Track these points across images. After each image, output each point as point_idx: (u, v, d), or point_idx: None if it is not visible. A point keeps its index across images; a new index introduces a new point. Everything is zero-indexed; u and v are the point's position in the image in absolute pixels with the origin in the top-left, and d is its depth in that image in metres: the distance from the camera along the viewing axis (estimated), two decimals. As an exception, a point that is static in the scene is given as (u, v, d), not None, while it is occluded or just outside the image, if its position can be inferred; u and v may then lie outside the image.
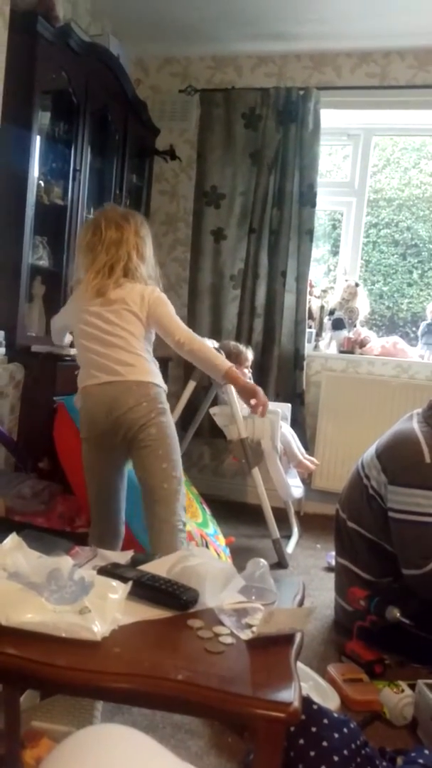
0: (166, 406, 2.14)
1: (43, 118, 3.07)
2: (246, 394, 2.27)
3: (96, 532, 2.19)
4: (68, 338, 2.53)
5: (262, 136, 3.98)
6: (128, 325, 2.11)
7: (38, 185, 3.01)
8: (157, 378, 2.15)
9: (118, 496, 2.19)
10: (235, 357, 3.42)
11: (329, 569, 2.94)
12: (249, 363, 3.50)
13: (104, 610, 1.08)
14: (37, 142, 2.95)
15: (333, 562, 2.70)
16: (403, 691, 1.80)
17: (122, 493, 2.21)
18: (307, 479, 3.82)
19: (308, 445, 3.83)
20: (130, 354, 2.10)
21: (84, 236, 2.20)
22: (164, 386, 2.18)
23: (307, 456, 3.43)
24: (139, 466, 2.09)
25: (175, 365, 4.26)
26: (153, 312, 2.15)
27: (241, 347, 3.50)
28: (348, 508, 2.39)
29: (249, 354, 3.49)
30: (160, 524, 2.06)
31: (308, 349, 4.05)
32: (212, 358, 2.21)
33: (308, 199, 3.92)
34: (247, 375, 3.48)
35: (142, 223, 2.23)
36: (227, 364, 2.19)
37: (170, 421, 2.14)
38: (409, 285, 4.39)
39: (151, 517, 2.08)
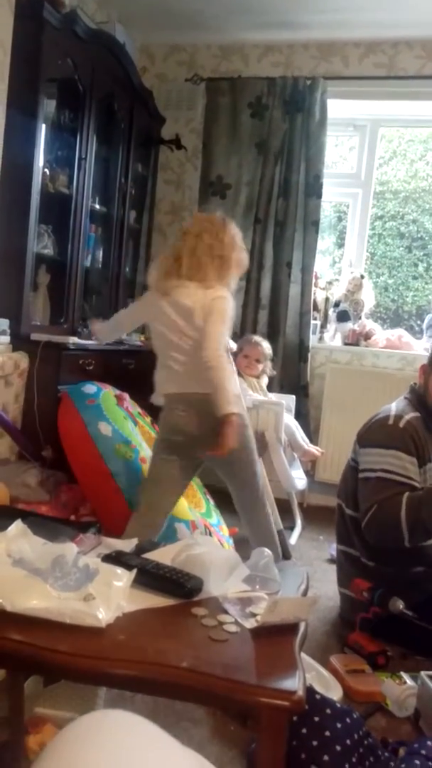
0: None
1: (48, 106, 3.05)
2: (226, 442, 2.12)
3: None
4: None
5: (268, 125, 3.95)
6: None
7: (43, 173, 2.99)
8: None
9: None
10: (244, 345, 3.40)
11: (332, 561, 2.94)
12: (260, 356, 3.42)
13: (109, 597, 1.08)
14: (43, 129, 2.93)
15: (334, 554, 2.71)
16: (405, 682, 1.81)
17: None
18: (310, 470, 3.82)
19: (312, 437, 3.82)
20: None
21: None
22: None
23: (311, 445, 3.43)
24: None
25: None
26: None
27: (251, 338, 3.49)
28: (344, 494, 2.44)
29: (260, 347, 3.43)
30: None
31: (313, 341, 4.04)
32: (223, 393, 2.10)
33: (314, 190, 3.90)
34: (255, 367, 3.44)
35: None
36: (231, 409, 2.09)
37: None
38: (415, 278, 4.37)
39: None
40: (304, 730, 1.39)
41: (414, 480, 2.13)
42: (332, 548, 3.02)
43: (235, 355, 3.33)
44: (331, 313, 4.14)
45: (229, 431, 2.08)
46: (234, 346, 3.33)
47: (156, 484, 2.25)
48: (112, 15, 3.77)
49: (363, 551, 2.31)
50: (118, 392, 2.77)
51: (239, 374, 3.23)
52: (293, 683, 0.95)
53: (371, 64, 3.94)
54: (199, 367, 2.13)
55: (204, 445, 2.18)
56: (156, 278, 2.34)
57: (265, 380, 3.53)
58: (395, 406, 2.33)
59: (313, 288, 4.00)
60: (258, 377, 3.47)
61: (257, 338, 3.52)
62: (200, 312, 2.18)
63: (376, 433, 2.25)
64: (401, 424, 2.21)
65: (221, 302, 2.19)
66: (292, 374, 3.98)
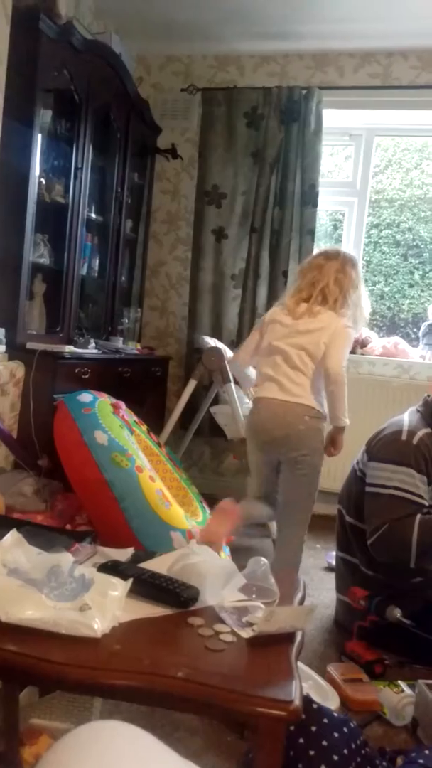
0: None
1: (44, 116, 3.06)
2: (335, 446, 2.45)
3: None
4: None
5: (263, 135, 3.98)
6: None
7: (39, 183, 3.00)
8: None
9: None
10: None
11: (329, 569, 2.94)
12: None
13: (104, 607, 1.07)
14: (39, 139, 2.94)
15: (333, 562, 2.70)
16: (402, 691, 1.80)
17: None
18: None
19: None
20: None
21: None
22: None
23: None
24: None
25: (176, 364, 4.26)
26: None
27: None
28: (346, 501, 2.44)
29: None
30: None
31: (309, 349, 4.04)
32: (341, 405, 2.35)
33: (310, 199, 3.92)
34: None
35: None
36: (344, 422, 2.36)
37: None
38: (410, 286, 4.39)
39: None
40: (301, 740, 1.39)
41: (423, 499, 2.13)
42: (329, 556, 3.02)
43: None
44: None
45: (340, 440, 2.42)
46: (230, 354, 3.35)
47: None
48: (109, 26, 3.80)
49: (363, 560, 2.30)
50: (114, 401, 2.77)
51: (236, 382, 3.24)
52: (290, 693, 0.95)
53: (366, 74, 3.97)
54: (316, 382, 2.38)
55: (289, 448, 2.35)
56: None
57: None
58: (407, 419, 2.30)
59: (309, 296, 4.01)
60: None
61: None
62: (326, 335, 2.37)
63: (389, 448, 2.22)
64: (414, 441, 2.19)
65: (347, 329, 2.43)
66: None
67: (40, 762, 0.63)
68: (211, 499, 3.12)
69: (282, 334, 2.43)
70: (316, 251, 2.83)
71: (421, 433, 2.21)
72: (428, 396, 2.37)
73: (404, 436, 2.21)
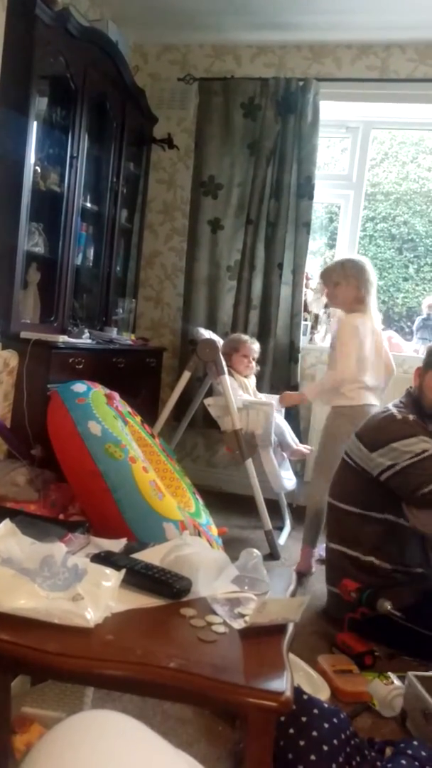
0: None
1: (40, 104, 3.03)
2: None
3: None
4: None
5: (260, 126, 3.96)
6: None
7: (35, 171, 2.98)
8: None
9: None
10: (234, 346, 3.42)
11: (320, 561, 2.95)
12: (255, 355, 3.47)
13: (97, 597, 1.08)
14: (34, 127, 2.91)
15: (324, 554, 2.72)
16: (392, 682, 1.81)
17: None
18: (300, 471, 3.83)
19: (302, 437, 3.83)
20: None
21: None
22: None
23: (300, 443, 3.44)
24: None
25: (170, 355, 4.26)
26: None
27: (244, 337, 3.50)
28: (338, 491, 2.47)
29: (255, 346, 3.48)
30: None
31: (303, 341, 4.05)
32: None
33: (306, 191, 3.91)
34: (251, 367, 3.46)
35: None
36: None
37: None
38: (405, 279, 4.40)
39: None
40: (291, 730, 1.40)
41: None
42: (321, 549, 3.03)
43: (228, 355, 3.35)
44: (322, 314, 4.16)
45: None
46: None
47: None
48: (105, 13, 3.77)
49: (355, 546, 2.32)
50: (107, 391, 2.76)
51: (230, 374, 3.24)
52: (281, 684, 0.96)
53: (363, 66, 3.95)
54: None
55: None
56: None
57: (253, 380, 3.54)
58: (393, 408, 2.39)
59: (304, 289, 4.01)
60: (248, 377, 3.48)
61: (248, 337, 3.53)
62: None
63: (391, 429, 2.29)
64: (410, 419, 2.30)
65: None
66: (283, 375, 3.99)
67: (32, 750, 0.63)
68: (203, 491, 3.13)
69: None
70: (359, 259, 3.05)
71: (411, 417, 2.31)
72: (410, 388, 2.43)
73: (399, 416, 2.31)
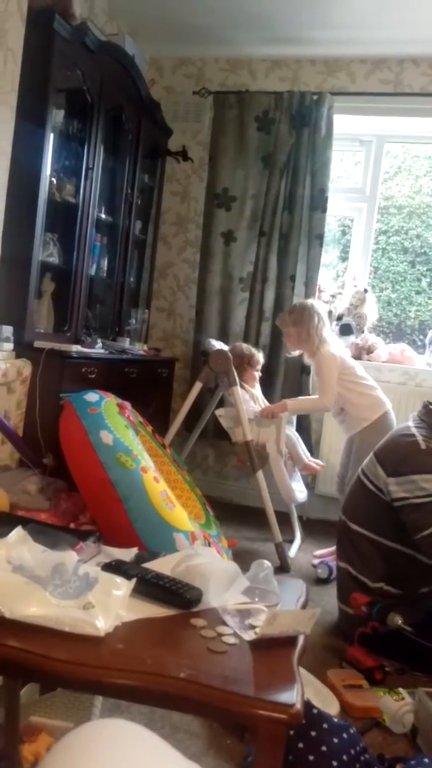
0: None
1: (57, 116, 3.07)
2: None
3: None
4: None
5: (274, 139, 3.98)
6: None
7: (50, 182, 3.01)
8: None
9: None
10: (247, 359, 3.42)
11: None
12: (260, 366, 3.49)
13: (108, 606, 1.08)
14: (51, 139, 2.95)
15: (333, 566, 2.70)
16: (403, 698, 1.80)
17: None
18: (310, 484, 3.81)
19: (313, 450, 3.82)
20: None
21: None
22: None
23: (312, 458, 3.43)
24: None
25: (182, 366, 4.26)
26: None
27: (253, 350, 3.50)
28: (351, 510, 2.43)
29: (260, 357, 3.50)
30: None
31: (315, 353, 4.03)
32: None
33: (319, 203, 3.92)
34: (256, 377, 3.48)
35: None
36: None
37: None
38: (418, 293, 4.38)
39: None
40: (300, 745, 1.38)
41: None
42: (330, 562, 3.01)
43: (241, 368, 3.34)
44: (335, 327, 4.15)
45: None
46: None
47: None
48: (122, 27, 3.81)
49: (365, 572, 2.29)
50: (119, 401, 2.77)
51: (242, 386, 3.24)
52: (291, 696, 0.95)
53: (377, 80, 3.97)
54: None
55: None
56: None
57: (258, 388, 3.55)
58: (414, 428, 2.31)
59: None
60: (254, 387, 3.49)
61: (252, 348, 3.52)
62: None
63: (414, 460, 2.22)
64: None
65: None
66: (294, 387, 3.99)
67: (43, 759, 0.63)
68: (214, 502, 3.12)
69: None
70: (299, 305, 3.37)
71: None
72: (429, 402, 2.39)
73: (423, 446, 2.23)
